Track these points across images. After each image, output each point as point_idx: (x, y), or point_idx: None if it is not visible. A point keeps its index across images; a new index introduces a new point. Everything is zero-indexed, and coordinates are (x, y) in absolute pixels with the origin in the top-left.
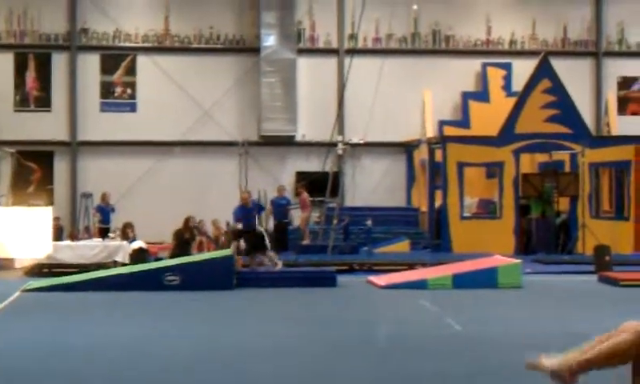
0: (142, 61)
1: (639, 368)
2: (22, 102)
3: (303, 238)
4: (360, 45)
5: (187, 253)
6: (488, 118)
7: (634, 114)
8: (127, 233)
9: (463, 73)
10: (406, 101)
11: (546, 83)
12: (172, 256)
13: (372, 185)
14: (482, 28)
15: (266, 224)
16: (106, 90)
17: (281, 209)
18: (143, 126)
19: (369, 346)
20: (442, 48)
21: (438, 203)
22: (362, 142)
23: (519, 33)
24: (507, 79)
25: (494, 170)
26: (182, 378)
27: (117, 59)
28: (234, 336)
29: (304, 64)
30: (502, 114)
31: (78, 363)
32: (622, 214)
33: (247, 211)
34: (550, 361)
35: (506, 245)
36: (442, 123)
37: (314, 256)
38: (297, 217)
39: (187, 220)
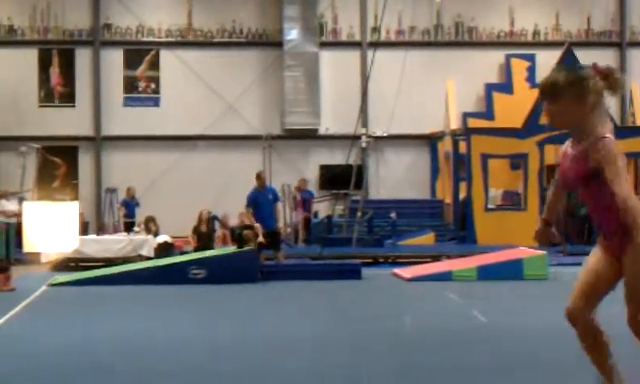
0: (166, 55)
1: None
2: (47, 98)
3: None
4: (383, 37)
5: (209, 246)
6: (512, 110)
7: None
8: (150, 227)
9: (486, 64)
10: (430, 93)
11: None
12: (195, 252)
13: (396, 177)
14: (505, 19)
15: (290, 217)
16: (130, 85)
17: (304, 203)
18: (167, 120)
19: (394, 338)
20: (465, 40)
21: (462, 195)
22: (385, 134)
23: (543, 24)
24: (531, 70)
25: (518, 162)
26: (206, 372)
27: (140, 54)
28: (259, 329)
29: (327, 57)
30: (525, 106)
31: (104, 357)
32: None
33: (262, 196)
34: None
35: (530, 236)
36: (465, 115)
37: (339, 249)
38: (321, 210)
39: (201, 213)
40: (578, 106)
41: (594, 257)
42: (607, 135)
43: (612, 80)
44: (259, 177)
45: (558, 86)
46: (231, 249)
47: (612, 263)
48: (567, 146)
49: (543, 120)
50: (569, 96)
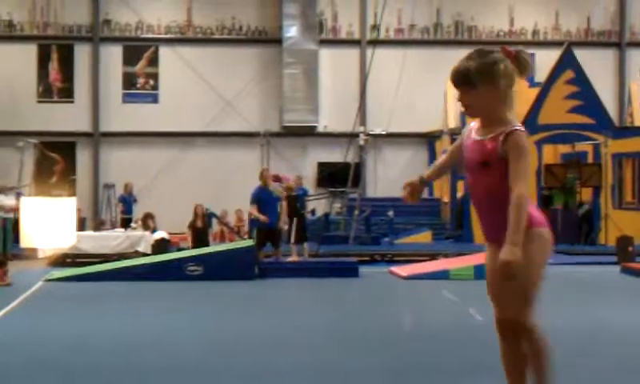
0: (164, 52)
1: None
2: (45, 93)
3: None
4: (382, 36)
5: (205, 241)
6: None
7: None
8: (148, 223)
9: None
10: (428, 91)
11: (569, 74)
12: (193, 248)
13: (394, 175)
14: (504, 19)
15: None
16: (129, 81)
17: (298, 200)
18: (165, 116)
19: (390, 337)
20: (465, 39)
21: (459, 194)
22: (383, 132)
23: (542, 23)
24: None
25: None
26: (203, 368)
27: (139, 50)
28: (255, 326)
29: (326, 55)
30: (524, 105)
31: (100, 352)
32: None
33: (266, 193)
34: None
35: None
36: (463, 114)
37: (336, 246)
38: (319, 208)
39: (196, 208)
40: (491, 93)
41: (490, 261)
42: (519, 127)
43: (520, 61)
44: (262, 174)
45: (470, 74)
46: (228, 245)
47: None
48: (472, 129)
49: (541, 119)
50: (482, 83)
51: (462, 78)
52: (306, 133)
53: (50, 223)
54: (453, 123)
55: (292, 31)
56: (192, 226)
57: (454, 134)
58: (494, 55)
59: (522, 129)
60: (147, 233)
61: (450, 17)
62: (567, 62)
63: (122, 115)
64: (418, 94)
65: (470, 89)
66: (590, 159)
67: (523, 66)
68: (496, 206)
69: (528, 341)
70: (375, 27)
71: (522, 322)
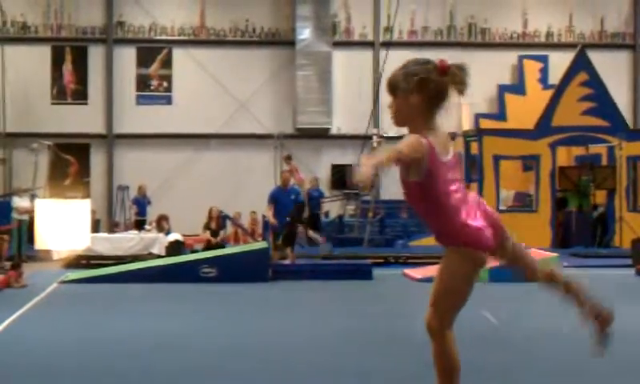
0: (178, 54)
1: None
2: (59, 95)
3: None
4: (395, 37)
5: (220, 243)
6: (524, 111)
7: None
8: (162, 225)
9: (499, 66)
10: None
11: (582, 76)
12: (205, 249)
13: None
14: (518, 21)
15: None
16: (142, 83)
17: (313, 201)
18: (179, 118)
19: (405, 340)
20: (478, 41)
21: None
22: (397, 134)
23: (556, 25)
24: (544, 72)
25: (530, 163)
26: (218, 370)
27: (153, 52)
28: (270, 328)
29: (339, 57)
30: (538, 107)
31: (115, 355)
32: None
33: (283, 195)
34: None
35: (542, 238)
36: (477, 116)
37: (350, 249)
38: (333, 210)
39: (211, 210)
40: (406, 103)
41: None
42: (419, 136)
43: (452, 76)
44: (282, 175)
45: (395, 80)
46: (242, 247)
47: None
48: None
49: (555, 121)
50: (400, 92)
51: (387, 85)
52: (319, 135)
53: (64, 225)
54: (466, 125)
55: (305, 33)
56: (207, 227)
57: (467, 136)
58: (421, 66)
59: (422, 138)
60: (161, 235)
61: (463, 19)
62: (581, 64)
63: (135, 117)
64: None
65: (393, 96)
66: (604, 162)
67: (455, 82)
68: (425, 212)
69: (434, 345)
70: (388, 29)
71: (430, 325)
